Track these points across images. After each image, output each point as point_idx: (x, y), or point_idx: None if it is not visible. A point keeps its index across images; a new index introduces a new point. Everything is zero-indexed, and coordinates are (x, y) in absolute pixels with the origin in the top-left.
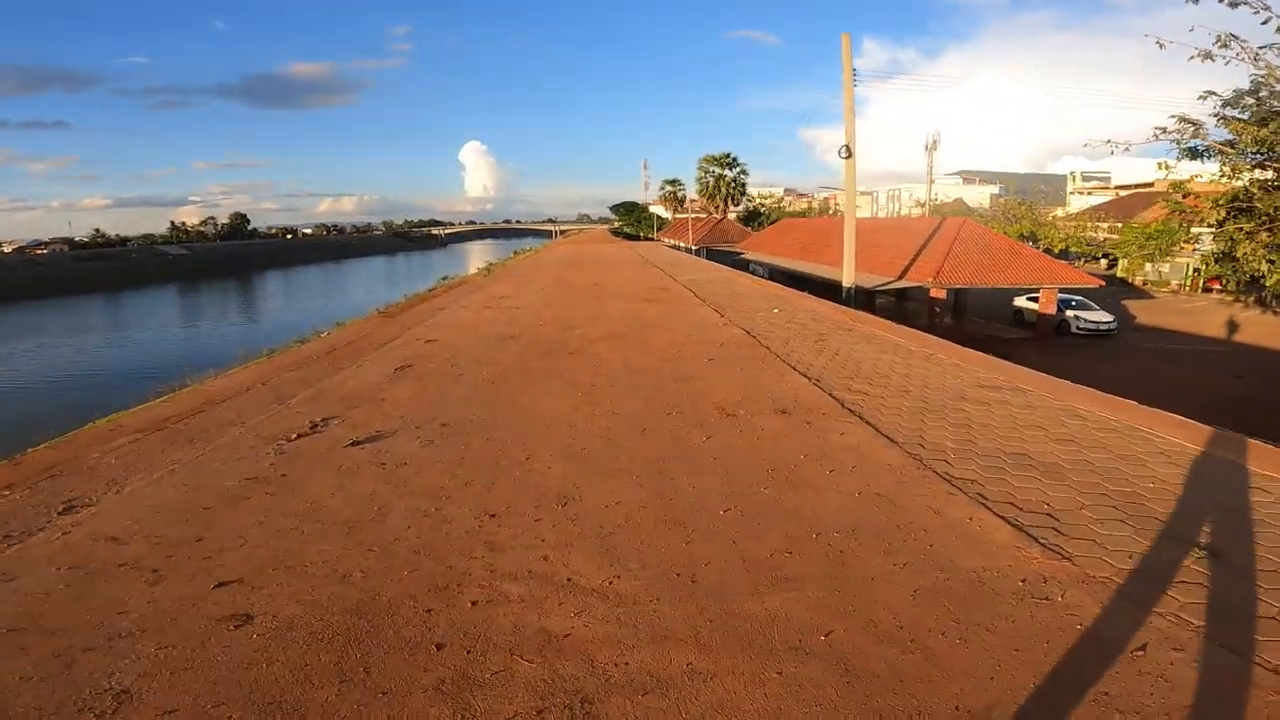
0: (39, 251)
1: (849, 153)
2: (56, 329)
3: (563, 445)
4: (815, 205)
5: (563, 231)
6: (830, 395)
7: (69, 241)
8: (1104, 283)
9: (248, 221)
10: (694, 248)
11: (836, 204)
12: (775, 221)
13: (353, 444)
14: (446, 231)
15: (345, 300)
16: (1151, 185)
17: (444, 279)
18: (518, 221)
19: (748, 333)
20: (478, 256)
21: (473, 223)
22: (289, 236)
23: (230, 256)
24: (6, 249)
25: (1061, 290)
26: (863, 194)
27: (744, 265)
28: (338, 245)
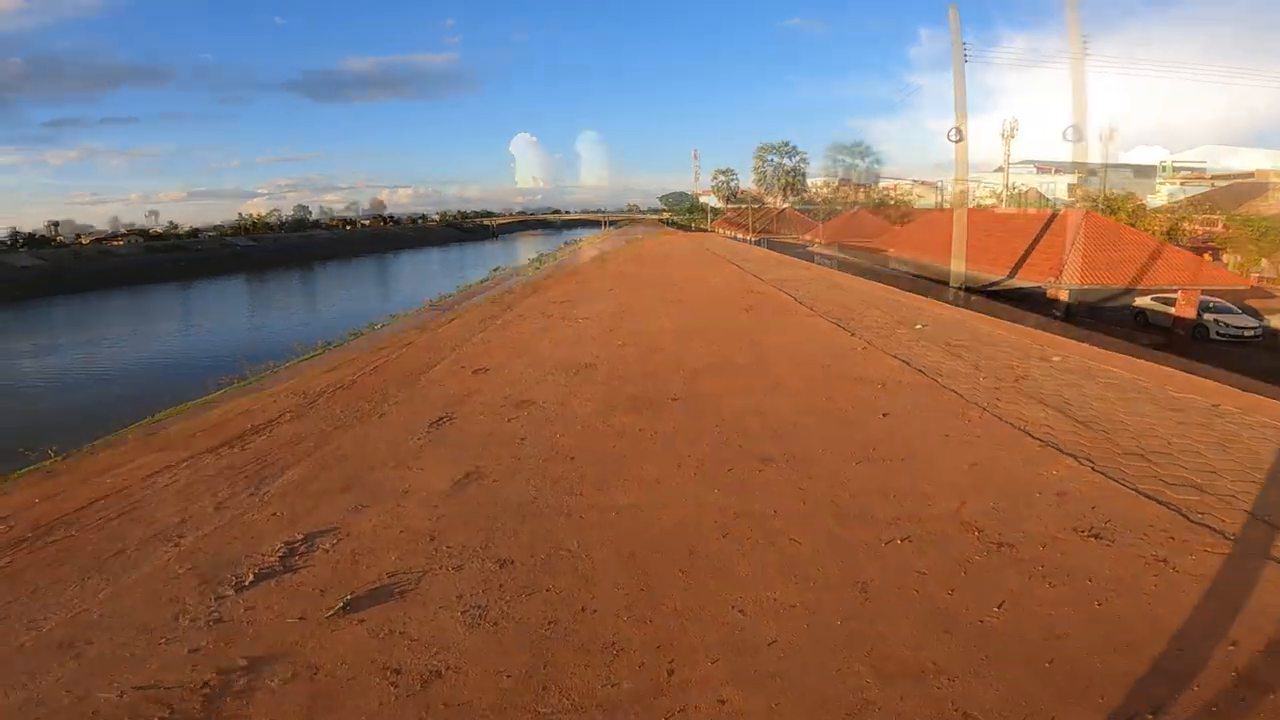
0: (115, 243)
1: (959, 135)
2: (121, 317)
3: (730, 633)
4: (874, 196)
5: (612, 222)
6: (1160, 504)
7: (143, 233)
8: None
9: (310, 214)
10: (753, 239)
11: (897, 193)
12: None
13: (344, 609)
14: (498, 222)
15: (398, 290)
16: (1252, 175)
17: (495, 270)
18: (567, 212)
19: (906, 364)
20: (529, 247)
21: (524, 213)
22: (348, 228)
23: (293, 248)
24: (85, 241)
25: (1204, 291)
26: (924, 184)
27: (809, 256)
28: (393, 236)
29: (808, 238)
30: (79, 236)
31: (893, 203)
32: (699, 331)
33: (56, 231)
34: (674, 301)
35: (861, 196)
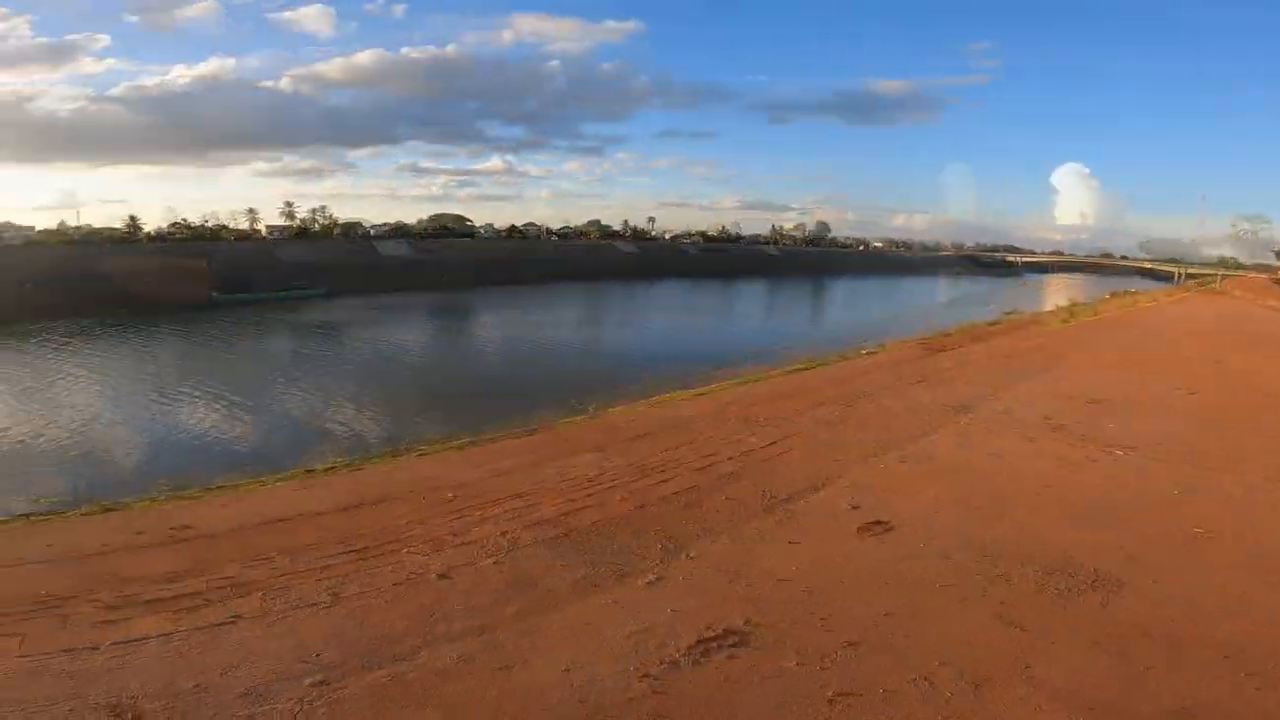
0: (684, 241)
1: None
2: (676, 301)
3: None
4: None
5: (1190, 275)
6: None
7: (703, 235)
8: None
9: (829, 230)
10: None
11: None
12: None
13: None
14: (1024, 260)
15: (885, 311)
16: None
17: (1008, 314)
18: (1122, 257)
19: None
20: (1059, 291)
21: (1058, 253)
22: (861, 248)
23: (810, 260)
24: (668, 237)
25: None
26: None
27: None
28: (900, 261)
29: None
30: (664, 232)
31: None
32: None
33: (651, 226)
34: None
35: None
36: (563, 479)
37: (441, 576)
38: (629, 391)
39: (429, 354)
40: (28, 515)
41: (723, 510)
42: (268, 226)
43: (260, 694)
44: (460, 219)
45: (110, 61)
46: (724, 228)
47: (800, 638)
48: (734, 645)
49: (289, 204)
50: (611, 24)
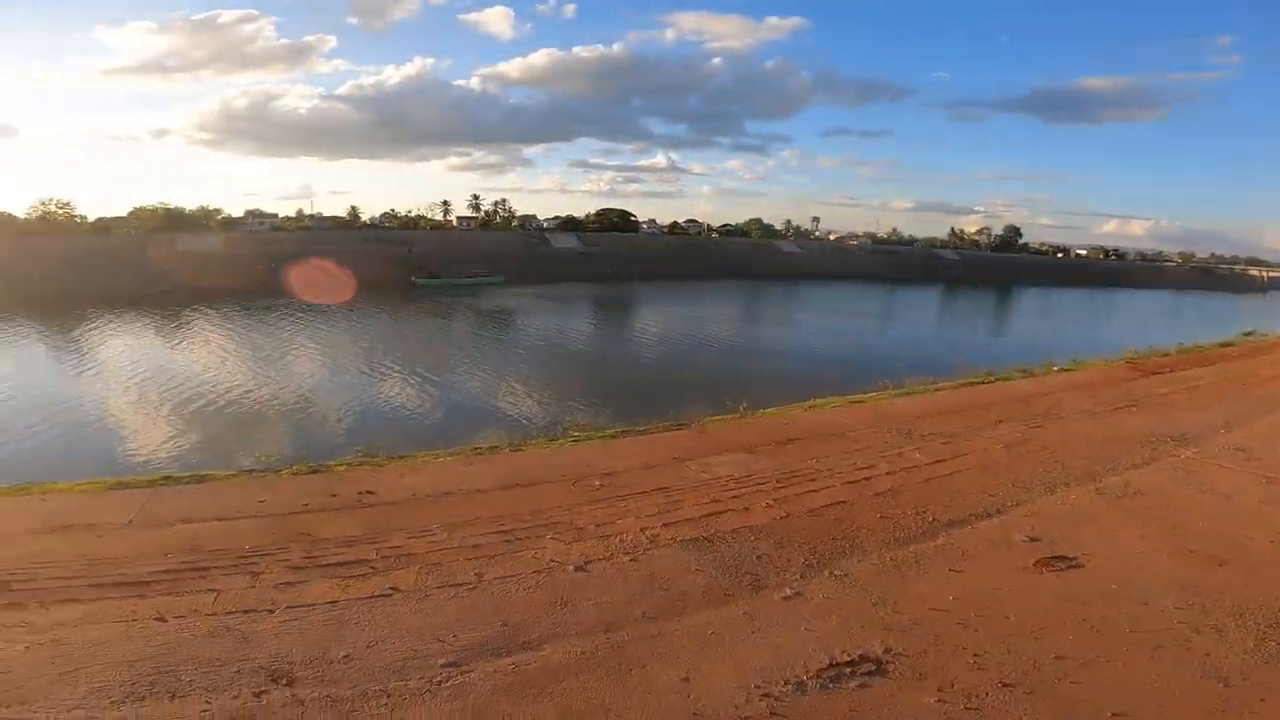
0: (852, 242)
1: None
2: (840, 304)
3: None
4: None
5: None
6: None
7: (872, 237)
8: None
9: (1019, 235)
10: None
11: None
12: None
13: None
14: (1268, 274)
15: (1086, 325)
16: None
17: (1248, 333)
18: None
19: None
20: None
21: None
22: (1059, 255)
23: (995, 267)
24: (832, 237)
25: None
26: None
27: None
28: (1110, 271)
29: None
30: (829, 233)
31: None
32: None
33: (815, 226)
34: None
35: None
36: (708, 478)
37: (579, 569)
38: (782, 394)
39: (590, 343)
40: (250, 470)
41: (875, 528)
42: (457, 218)
43: (398, 670)
44: (625, 214)
45: (337, 62)
46: (895, 229)
47: (946, 673)
48: (869, 673)
49: (475, 197)
50: (774, 20)
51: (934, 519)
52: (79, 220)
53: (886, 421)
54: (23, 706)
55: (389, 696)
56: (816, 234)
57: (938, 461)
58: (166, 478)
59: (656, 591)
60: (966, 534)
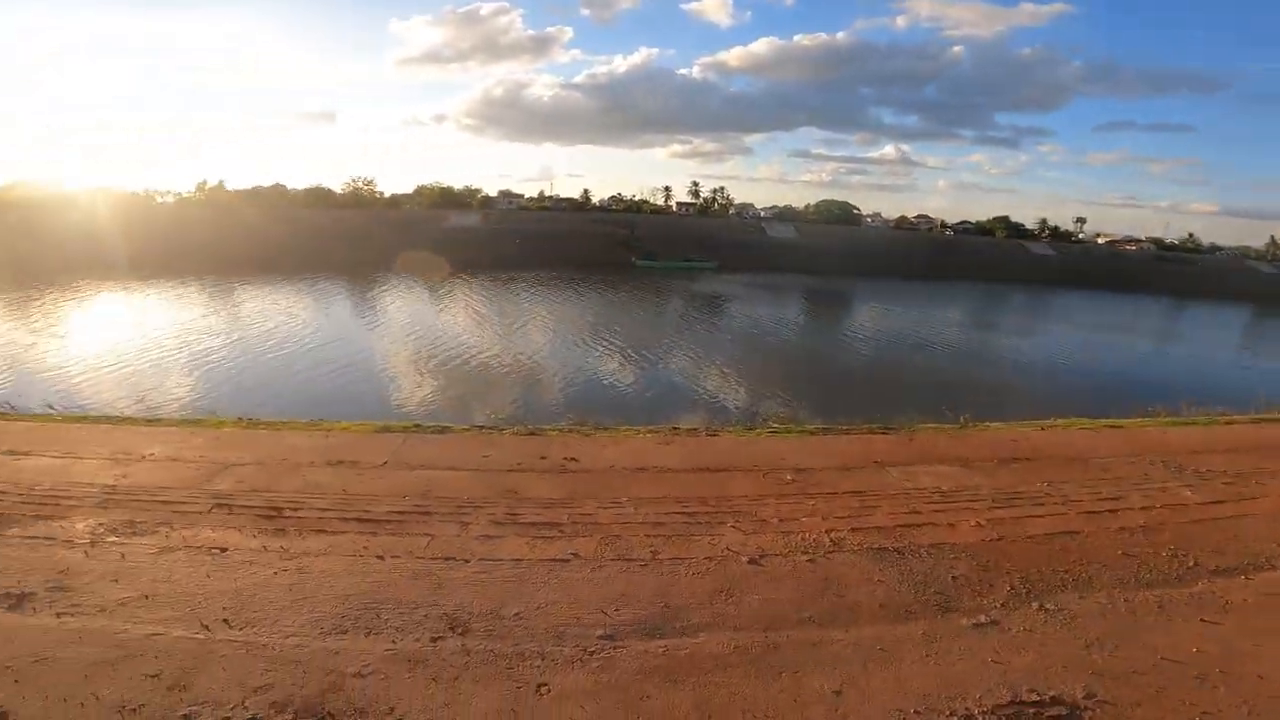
0: (1128, 247)
1: None
2: (1097, 318)
3: None
4: None
5: None
6: None
7: (1158, 242)
8: None
9: None
10: None
11: None
12: None
13: None
14: None
15: None
16: None
17: None
18: None
19: None
20: None
21: None
22: None
23: None
24: (1100, 240)
25: None
26: None
27: None
28: None
29: None
30: (1095, 235)
31: None
32: None
33: (1080, 227)
34: None
35: None
36: (910, 487)
37: (753, 561)
38: (1013, 409)
39: (798, 335)
40: (481, 427)
41: (1112, 565)
42: (677, 203)
43: (557, 635)
44: (847, 206)
45: (574, 52)
46: (1192, 235)
47: None
48: (1058, 718)
49: (695, 184)
50: (1030, 7)
51: (1195, 563)
52: (378, 196)
53: (1150, 452)
54: (252, 629)
55: (543, 659)
56: (1080, 236)
57: (1215, 502)
58: (418, 425)
59: (829, 596)
60: (1236, 584)
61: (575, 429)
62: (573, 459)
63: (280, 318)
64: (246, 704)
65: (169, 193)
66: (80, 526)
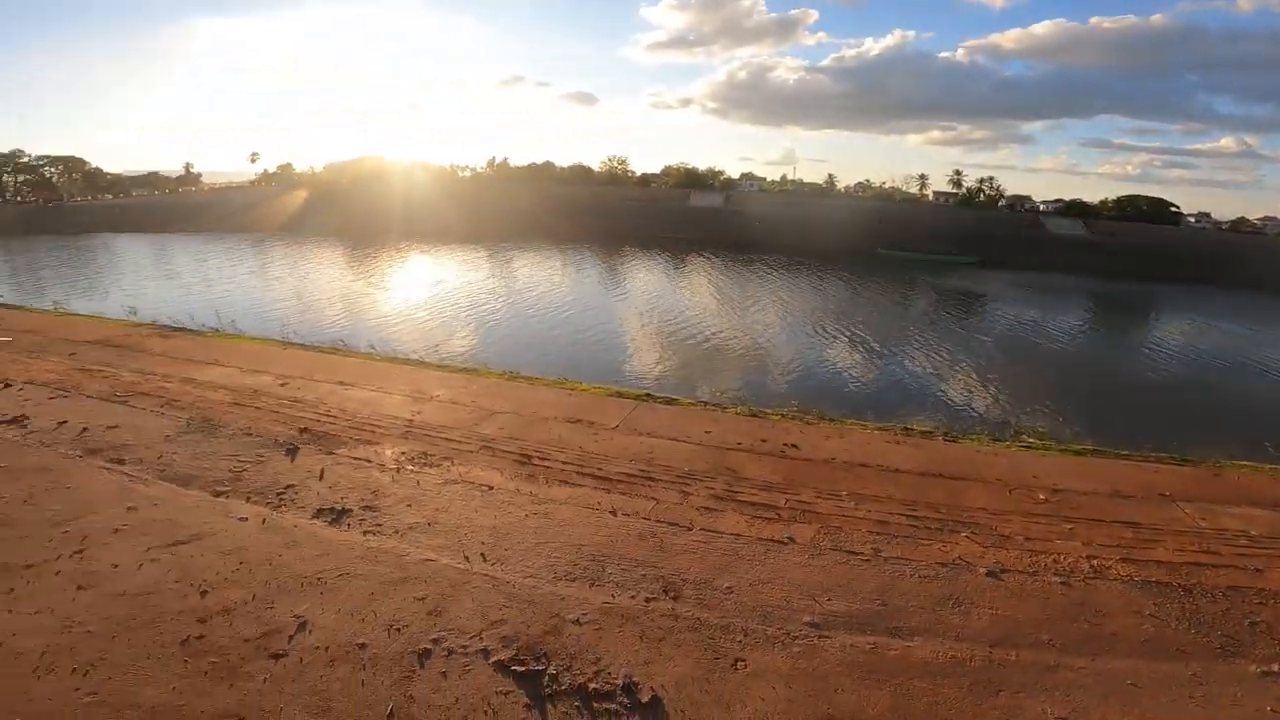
0: None
1: None
2: None
3: None
4: None
5: None
6: None
7: None
8: None
9: None
10: None
11: None
12: None
13: None
14: None
15: None
16: None
17: None
18: None
19: None
20: None
21: None
22: None
23: None
24: None
25: None
26: None
27: None
28: None
29: None
30: None
31: None
32: None
33: None
34: None
35: None
36: (1206, 526)
37: (991, 574)
38: None
39: (1072, 343)
40: (704, 403)
41: None
42: (934, 193)
43: (764, 614)
44: (1161, 203)
45: (820, 35)
46: None
47: None
48: None
49: (957, 172)
50: None
51: None
52: (630, 175)
53: None
54: (499, 565)
55: (745, 636)
56: None
57: None
58: (648, 395)
59: (1080, 623)
60: None
61: (798, 416)
62: (793, 445)
63: (545, 286)
64: (483, 635)
65: (467, 167)
66: (389, 454)
